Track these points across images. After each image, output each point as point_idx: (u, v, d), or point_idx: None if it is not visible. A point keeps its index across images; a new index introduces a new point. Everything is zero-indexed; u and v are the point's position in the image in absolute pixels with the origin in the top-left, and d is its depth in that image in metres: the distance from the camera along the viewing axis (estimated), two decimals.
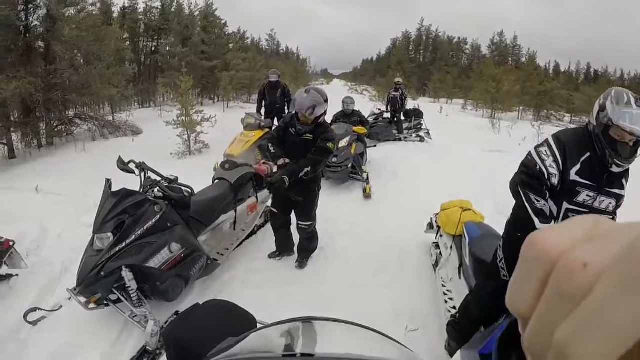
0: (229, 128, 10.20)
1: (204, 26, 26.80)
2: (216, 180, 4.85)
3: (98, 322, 3.76)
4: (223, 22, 28.83)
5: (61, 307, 4.03)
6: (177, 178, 4.06)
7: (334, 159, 6.90)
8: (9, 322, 3.88)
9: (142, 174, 3.89)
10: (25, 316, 3.83)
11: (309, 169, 3.99)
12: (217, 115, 11.52)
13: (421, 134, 12.18)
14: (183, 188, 3.99)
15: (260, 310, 2.98)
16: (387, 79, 33.38)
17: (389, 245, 5.12)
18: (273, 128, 6.53)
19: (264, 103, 9.41)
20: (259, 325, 1.74)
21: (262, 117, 8.70)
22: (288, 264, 4.73)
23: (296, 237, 4.75)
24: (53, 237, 5.39)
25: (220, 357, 1.38)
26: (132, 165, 3.86)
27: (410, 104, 14.56)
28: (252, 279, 4.42)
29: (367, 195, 6.90)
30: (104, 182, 3.73)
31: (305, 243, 4.66)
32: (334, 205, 6.20)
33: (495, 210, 6.00)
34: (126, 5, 27.41)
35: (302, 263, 4.65)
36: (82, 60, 13.45)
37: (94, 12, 14.27)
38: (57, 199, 6.89)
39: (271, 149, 4.35)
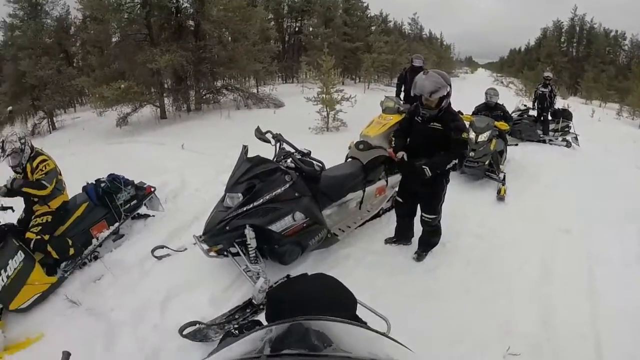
0: (367, 109, 9.97)
1: (346, 8, 27.18)
2: (349, 159, 4.91)
3: (214, 270, 4.15)
4: (365, 4, 28.95)
5: (185, 249, 4.55)
6: (310, 152, 4.16)
7: (472, 154, 6.51)
8: (139, 253, 4.54)
9: (278, 144, 4.09)
10: (152, 251, 4.47)
11: (456, 161, 3.82)
12: (357, 95, 11.66)
13: (568, 138, 10.75)
14: (315, 162, 4.07)
15: (366, 292, 2.96)
16: (535, 72, 30.92)
17: (513, 255, 4.67)
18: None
19: (403, 87, 9.18)
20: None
21: (401, 102, 8.49)
22: (406, 252, 4.58)
23: (418, 228, 4.55)
24: (190, 190, 6.02)
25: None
26: (268, 135, 4.10)
27: (559, 103, 13.28)
28: (367, 260, 4.39)
29: (500, 197, 6.30)
30: (241, 147, 4.01)
31: (427, 236, 4.46)
32: (463, 202, 5.83)
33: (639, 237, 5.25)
34: None
35: (420, 255, 4.47)
36: (229, 38, 14.63)
37: None
38: (199, 157, 7.54)
39: (393, 141, 4.28)
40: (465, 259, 4.51)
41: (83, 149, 10.31)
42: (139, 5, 13.21)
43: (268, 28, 19.49)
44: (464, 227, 5.15)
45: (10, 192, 4.26)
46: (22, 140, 4.28)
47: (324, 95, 10.44)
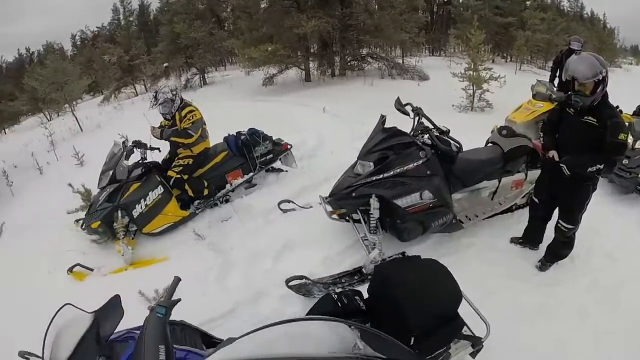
0: (517, 92, 9.24)
1: None
2: (489, 144, 4.55)
3: (333, 232, 4.27)
4: None
5: (310, 207, 4.78)
6: (449, 130, 3.96)
7: (625, 161, 5.41)
8: (266, 203, 4.91)
9: (416, 118, 3.96)
10: (279, 204, 4.80)
11: (601, 166, 3.29)
12: (506, 75, 10.80)
13: None
14: (452, 141, 3.87)
15: (476, 290, 2.79)
16: None
17: None
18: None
19: (558, 73, 8.37)
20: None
21: (555, 89, 7.74)
22: (529, 257, 4.14)
23: (548, 234, 4.07)
24: (325, 151, 6.25)
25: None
26: (408, 108, 3.98)
27: None
28: (486, 255, 4.07)
29: None
30: (379, 116, 3.99)
31: (557, 246, 3.96)
32: (604, 216, 4.89)
33: None
34: None
35: (544, 265, 4.02)
36: (375, 6, 14.37)
37: None
38: (339, 121, 7.74)
39: (541, 137, 3.84)
40: (592, 281, 3.87)
41: (229, 104, 11.12)
42: None
43: None
44: (599, 244, 4.37)
45: (161, 137, 4.92)
46: (174, 92, 4.90)
47: (471, 72, 9.89)
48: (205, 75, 19.69)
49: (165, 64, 20.26)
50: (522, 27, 21.46)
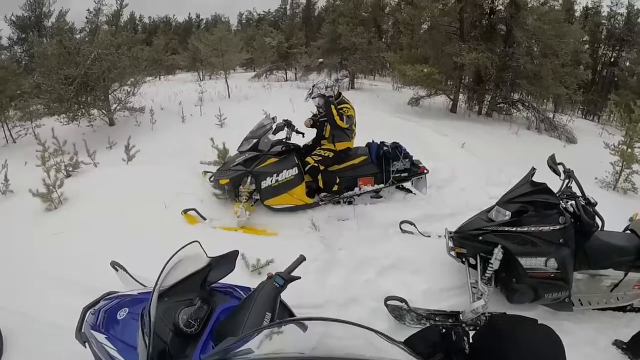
0: None
1: None
2: (627, 231, 4.25)
3: (446, 268, 4.19)
4: None
5: (429, 236, 4.77)
6: (596, 203, 3.80)
7: None
8: (386, 218, 5.02)
9: (566, 181, 3.86)
10: (401, 223, 4.86)
11: None
12: None
13: None
14: (597, 216, 3.70)
15: None
16: None
17: None
18: None
19: None
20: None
21: None
22: None
23: None
24: (456, 186, 6.17)
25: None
26: (560, 168, 3.89)
27: None
28: (584, 349, 3.62)
29: None
30: (530, 168, 3.95)
31: None
32: None
33: None
34: (589, 5, 25.61)
35: None
36: (538, 52, 13.86)
37: (556, 7, 14.43)
38: (476, 160, 7.66)
39: None
40: None
41: (374, 112, 11.54)
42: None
43: (581, 51, 17.77)
44: None
45: (314, 124, 5.41)
46: (329, 89, 5.20)
47: (624, 147, 9.12)
48: (355, 79, 20.42)
49: (321, 59, 21.57)
50: None
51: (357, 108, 5.47)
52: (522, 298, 3.74)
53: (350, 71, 19.99)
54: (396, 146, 5.44)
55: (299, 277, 2.19)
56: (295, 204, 5.05)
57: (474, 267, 3.83)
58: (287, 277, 2.11)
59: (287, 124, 5.38)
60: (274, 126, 5.18)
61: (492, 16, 13.82)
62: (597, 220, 3.69)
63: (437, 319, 3.67)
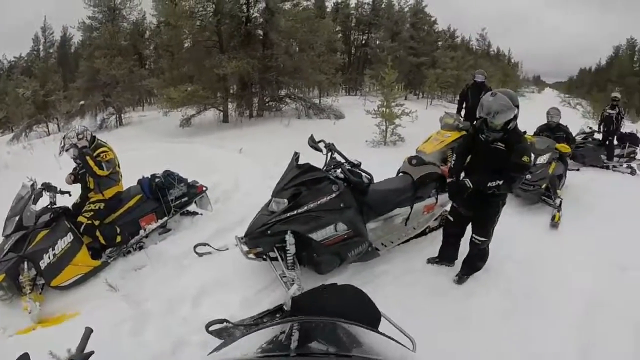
0: (427, 125, 9.82)
1: (413, 23, 27.06)
2: (400, 174, 4.81)
3: (251, 271, 4.23)
4: (433, 19, 28.66)
5: (227, 249, 4.69)
6: (360, 163, 4.15)
7: (528, 176, 6.09)
8: (181, 248, 4.76)
9: (329, 153, 4.11)
10: (195, 247, 4.63)
11: (501, 182, 3.60)
12: (417, 111, 11.52)
13: (633, 165, 9.84)
14: (364, 174, 4.05)
15: (397, 310, 2.84)
16: (605, 94, 28.98)
17: (560, 288, 4.29)
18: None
19: (464, 105, 8.95)
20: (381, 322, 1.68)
21: (461, 119, 8.28)
22: (446, 274, 4.38)
23: (463, 250, 4.36)
24: (241, 193, 6.21)
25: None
26: (321, 144, 4.12)
27: (628, 127, 12.37)
28: (404, 278, 4.25)
29: (554, 224, 5.91)
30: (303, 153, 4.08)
31: (472, 259, 4.24)
32: (513, 226, 5.39)
33: None
34: (339, 0, 28.98)
35: (461, 278, 4.27)
36: (296, 48, 15.03)
37: (307, 7, 15.66)
38: (255, 162, 7.73)
39: (452, 160, 4.12)
40: (507, 287, 4.22)
41: (145, 145, 10.87)
42: (210, 13, 13.84)
43: (335, 40, 19.74)
44: (511, 253, 4.82)
45: (75, 178, 4.83)
46: (80, 136, 4.69)
47: (384, 109, 10.40)
48: (122, 115, 18.96)
49: (81, 102, 19.31)
50: (434, 66, 22.93)
51: (126, 144, 5.20)
52: (330, 266, 3.97)
53: (116, 107, 18.54)
54: (168, 174, 5.22)
55: (92, 352, 1.92)
56: (84, 272, 4.40)
57: (276, 259, 3.88)
58: (79, 358, 1.83)
59: (46, 187, 4.59)
60: (32, 195, 4.39)
61: (248, 24, 14.23)
62: (365, 176, 4.04)
63: (264, 320, 3.63)
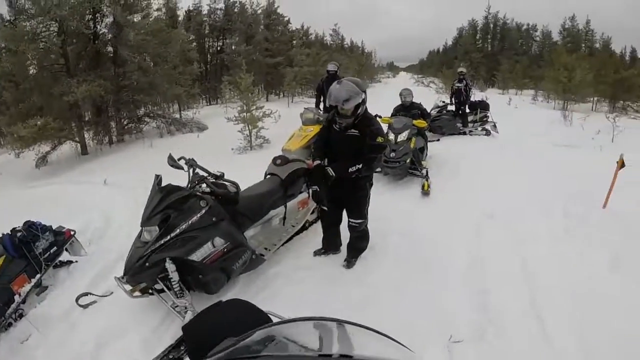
0: (291, 123, 10.14)
1: (267, 24, 27.46)
2: (268, 176, 4.86)
3: (142, 310, 3.96)
4: (286, 19, 29.32)
5: (111, 293, 4.29)
6: (223, 174, 4.10)
7: (392, 154, 6.74)
8: (64, 305, 4.24)
9: (191, 169, 3.98)
10: (77, 300, 4.17)
11: (360, 166, 3.86)
12: (279, 110, 11.77)
13: (487, 127, 11.55)
14: (228, 183, 4.04)
15: (298, 309, 2.94)
16: (453, 69, 32.22)
17: (443, 247, 4.82)
18: None
19: (322, 97, 9.30)
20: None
21: (321, 112, 8.58)
22: (335, 262, 4.58)
23: (345, 235, 4.58)
24: (114, 227, 5.79)
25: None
26: (181, 162, 3.99)
27: (478, 96, 13.98)
28: (297, 275, 4.33)
29: (425, 192, 6.56)
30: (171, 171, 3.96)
31: (355, 242, 4.49)
32: (388, 202, 5.98)
33: (562, 212, 5.60)
34: (191, 8, 28.27)
35: (350, 262, 4.49)
36: (150, 63, 14.13)
37: (159, 17, 15.09)
38: (122, 191, 7.29)
39: (312, 149, 4.34)
40: (395, 259, 4.58)
41: None
42: (54, 33, 12.32)
43: (189, 49, 19.24)
44: (391, 227, 5.22)
45: None
46: None
47: (244, 114, 10.41)
48: None
49: None
50: (290, 65, 23.41)
51: None
52: (218, 284, 3.90)
53: None
54: (30, 225, 4.60)
55: None
56: None
57: (163, 290, 3.73)
58: None
59: None
60: None
61: (96, 42, 13.06)
62: (231, 185, 4.04)
63: (170, 356, 3.48)
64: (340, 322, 1.58)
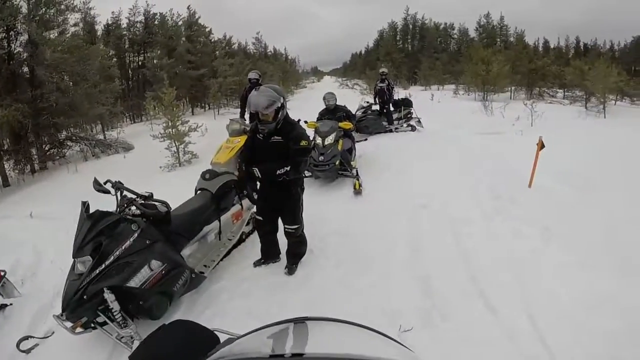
0: (218, 135, 10.02)
1: (189, 36, 26.92)
2: (198, 191, 4.80)
3: (88, 346, 3.74)
4: (208, 29, 28.87)
5: (53, 333, 4.00)
6: (152, 194, 4.00)
7: (321, 158, 6.87)
8: (4, 352, 3.91)
9: (118, 192, 3.84)
10: (18, 345, 3.84)
11: (288, 168, 3.93)
12: (206, 123, 11.61)
13: (412, 123, 12.02)
14: (158, 204, 3.92)
15: (247, 322, 2.95)
16: (376, 71, 33.39)
17: (381, 241, 4.99)
18: None
19: (247, 107, 9.29)
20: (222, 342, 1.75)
21: (247, 122, 8.57)
22: (277, 270, 4.59)
23: (283, 243, 4.61)
24: (47, 263, 5.43)
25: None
26: (108, 185, 3.83)
27: (401, 94, 14.48)
28: (240, 289, 4.30)
29: (357, 191, 6.72)
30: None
31: (294, 248, 4.54)
32: (323, 205, 6.11)
33: (492, 194, 5.96)
34: (109, 22, 27.25)
35: (291, 269, 4.52)
36: (70, 82, 13.35)
37: (76, 33, 14.31)
38: (51, 223, 6.88)
39: (239, 159, 4.41)
40: (336, 259, 4.70)
41: None
42: None
43: (110, 66, 18.55)
44: (328, 229, 5.35)
45: None
46: None
47: (170, 130, 10.16)
48: None
49: None
50: (214, 76, 23.15)
51: None
52: (161, 308, 3.76)
53: None
54: None
55: None
56: None
57: (105, 323, 3.54)
58: None
59: None
60: None
61: (11, 62, 12.14)
62: (160, 205, 3.94)
63: None
64: (339, 322, 1.63)
